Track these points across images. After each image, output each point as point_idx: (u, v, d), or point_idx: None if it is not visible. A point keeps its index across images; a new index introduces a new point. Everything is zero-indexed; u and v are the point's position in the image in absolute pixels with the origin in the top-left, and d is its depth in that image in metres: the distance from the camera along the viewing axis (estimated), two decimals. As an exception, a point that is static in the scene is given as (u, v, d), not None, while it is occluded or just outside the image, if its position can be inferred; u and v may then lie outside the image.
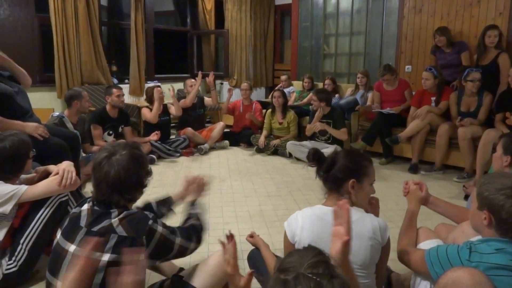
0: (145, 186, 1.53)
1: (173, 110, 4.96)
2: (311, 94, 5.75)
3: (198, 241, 1.59)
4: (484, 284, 1.13)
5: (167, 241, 1.45)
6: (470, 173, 3.84)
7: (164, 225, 1.47)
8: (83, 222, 1.41)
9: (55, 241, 1.46)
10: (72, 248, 1.37)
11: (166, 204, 1.89)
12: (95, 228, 1.37)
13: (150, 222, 1.41)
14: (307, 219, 1.54)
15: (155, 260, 1.47)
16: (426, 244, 1.69)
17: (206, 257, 1.80)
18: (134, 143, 1.56)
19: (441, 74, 4.31)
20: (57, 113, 3.64)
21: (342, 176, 1.56)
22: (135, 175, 1.45)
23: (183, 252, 1.52)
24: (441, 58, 4.65)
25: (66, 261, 1.36)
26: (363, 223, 1.49)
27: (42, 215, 1.86)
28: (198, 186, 1.90)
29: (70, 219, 1.46)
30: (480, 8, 4.60)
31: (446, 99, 4.21)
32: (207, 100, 5.48)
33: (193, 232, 1.58)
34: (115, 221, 1.38)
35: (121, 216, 1.40)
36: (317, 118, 4.53)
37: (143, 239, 1.37)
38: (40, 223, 1.85)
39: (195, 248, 1.57)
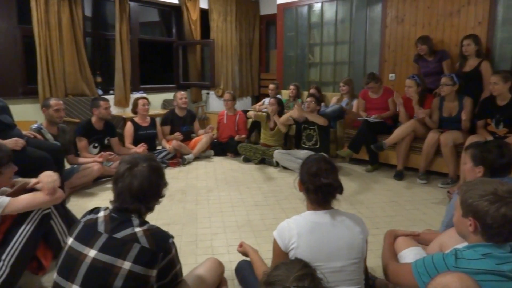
0: (163, 196, 1.59)
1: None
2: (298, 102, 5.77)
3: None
4: None
5: (173, 263, 1.49)
6: (454, 179, 3.90)
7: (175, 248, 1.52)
8: (101, 228, 1.42)
9: (66, 246, 1.44)
10: (92, 253, 1.38)
11: None
12: (118, 235, 1.40)
13: (171, 240, 1.48)
14: (304, 225, 1.56)
15: (156, 282, 1.47)
16: (406, 253, 1.74)
17: (195, 267, 1.79)
18: (151, 155, 1.64)
19: (424, 82, 4.39)
20: (36, 125, 3.59)
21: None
22: (156, 186, 1.53)
23: (176, 279, 1.54)
24: (424, 66, 4.74)
25: (84, 265, 1.36)
26: (352, 219, 1.62)
27: (25, 230, 1.81)
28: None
29: (85, 225, 1.46)
30: (460, 17, 4.72)
31: (428, 107, 4.28)
32: (196, 124, 5.44)
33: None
34: (139, 231, 1.41)
35: (145, 227, 1.43)
36: (302, 108, 4.58)
37: (160, 255, 1.40)
38: (23, 238, 1.80)
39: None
